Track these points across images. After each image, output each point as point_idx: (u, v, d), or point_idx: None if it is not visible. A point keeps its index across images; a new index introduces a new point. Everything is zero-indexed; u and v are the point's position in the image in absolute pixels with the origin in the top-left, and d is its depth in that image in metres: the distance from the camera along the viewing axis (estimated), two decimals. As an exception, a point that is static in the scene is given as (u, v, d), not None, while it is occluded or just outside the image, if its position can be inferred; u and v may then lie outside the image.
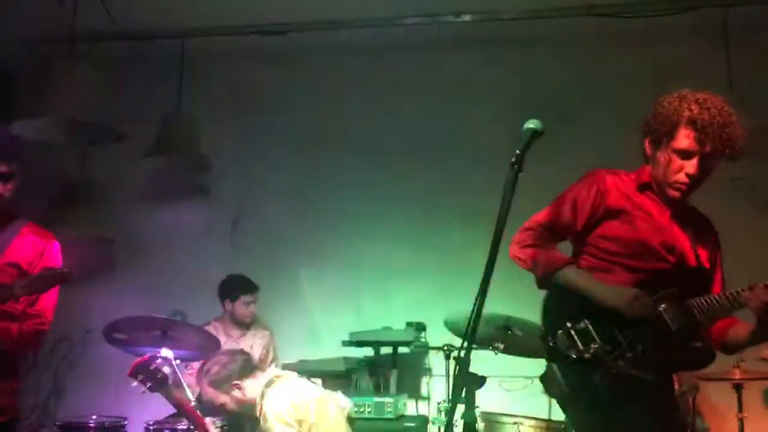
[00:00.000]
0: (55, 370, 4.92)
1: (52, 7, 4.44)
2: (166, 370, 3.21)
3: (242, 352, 3.70)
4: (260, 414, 3.35)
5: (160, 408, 4.24)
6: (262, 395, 3.35)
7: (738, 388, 3.98)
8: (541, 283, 2.65)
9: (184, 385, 3.62)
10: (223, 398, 3.41)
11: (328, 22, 4.77)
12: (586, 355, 2.42)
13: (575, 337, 2.45)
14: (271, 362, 4.55)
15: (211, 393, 3.44)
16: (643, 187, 2.60)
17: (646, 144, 2.59)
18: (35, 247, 2.81)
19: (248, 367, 3.46)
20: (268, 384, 3.38)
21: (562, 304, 2.57)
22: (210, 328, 4.48)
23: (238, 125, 5.16)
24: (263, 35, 4.83)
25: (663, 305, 2.44)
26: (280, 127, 4.95)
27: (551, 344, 2.51)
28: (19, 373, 2.81)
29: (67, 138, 4.57)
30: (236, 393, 3.38)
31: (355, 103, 5.10)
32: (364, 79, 5.14)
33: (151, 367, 3.10)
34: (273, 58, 5.16)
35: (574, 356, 2.44)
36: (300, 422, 3.27)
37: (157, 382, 3.10)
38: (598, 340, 2.43)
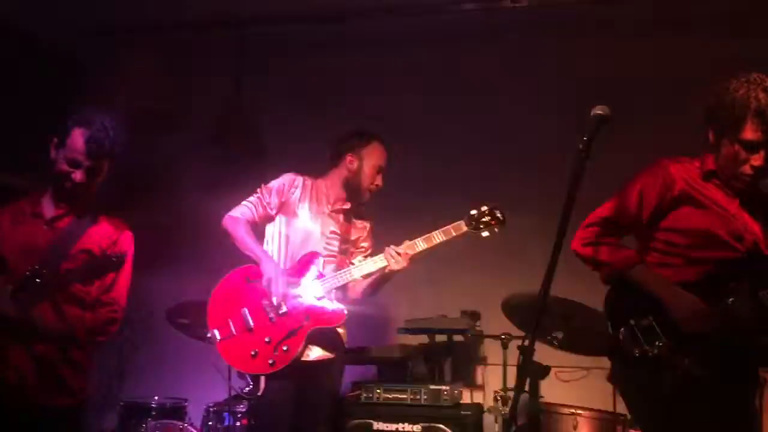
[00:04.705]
0: (119, 352, 5.06)
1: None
2: None
3: None
4: None
5: (220, 390, 4.35)
6: None
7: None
8: (607, 281, 2.60)
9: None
10: None
11: (385, 11, 4.77)
12: (651, 354, 2.37)
13: (639, 335, 2.40)
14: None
15: None
16: (709, 176, 2.53)
17: (711, 133, 2.51)
18: (109, 236, 2.87)
19: None
20: None
21: (627, 299, 2.52)
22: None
23: (297, 113, 5.20)
24: (321, 23, 4.86)
25: (732, 299, 2.37)
26: (339, 115, 4.96)
27: (614, 342, 2.47)
28: (92, 356, 2.89)
29: (130, 126, 4.67)
30: None
31: (413, 91, 5.08)
32: (421, 67, 5.12)
33: None
34: (331, 46, 5.17)
35: (638, 354, 2.39)
36: None
37: None
38: (663, 337, 2.38)
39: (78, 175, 2.74)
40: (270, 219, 3.64)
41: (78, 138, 2.73)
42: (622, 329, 2.43)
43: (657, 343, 2.38)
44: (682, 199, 2.51)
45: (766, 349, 2.37)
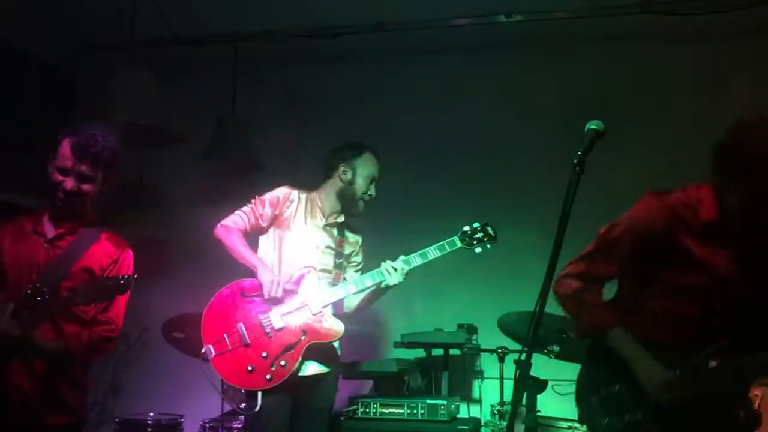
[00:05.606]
0: (114, 368, 5.03)
1: (111, 14, 4.57)
2: None
3: None
4: None
5: (215, 406, 4.33)
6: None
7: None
8: (581, 338, 2.55)
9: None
10: None
11: (378, 24, 4.78)
12: (618, 426, 2.34)
13: (608, 404, 2.37)
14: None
15: None
16: (705, 224, 2.32)
17: (717, 172, 2.26)
18: (110, 255, 2.86)
19: None
20: None
21: (599, 368, 2.49)
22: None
23: (290, 127, 5.22)
24: (314, 38, 4.87)
25: (713, 363, 2.27)
26: (332, 129, 4.97)
27: (585, 410, 2.45)
28: (88, 374, 2.87)
29: (125, 141, 4.67)
30: None
31: (407, 106, 5.10)
32: (415, 81, 5.14)
33: None
34: (324, 61, 5.19)
35: (606, 424, 2.36)
36: None
37: None
38: (631, 408, 2.34)
39: (68, 183, 2.73)
40: (262, 230, 3.63)
41: (66, 146, 2.74)
42: (594, 398, 2.40)
43: (625, 415, 2.33)
44: (668, 243, 2.33)
45: (738, 422, 2.28)
